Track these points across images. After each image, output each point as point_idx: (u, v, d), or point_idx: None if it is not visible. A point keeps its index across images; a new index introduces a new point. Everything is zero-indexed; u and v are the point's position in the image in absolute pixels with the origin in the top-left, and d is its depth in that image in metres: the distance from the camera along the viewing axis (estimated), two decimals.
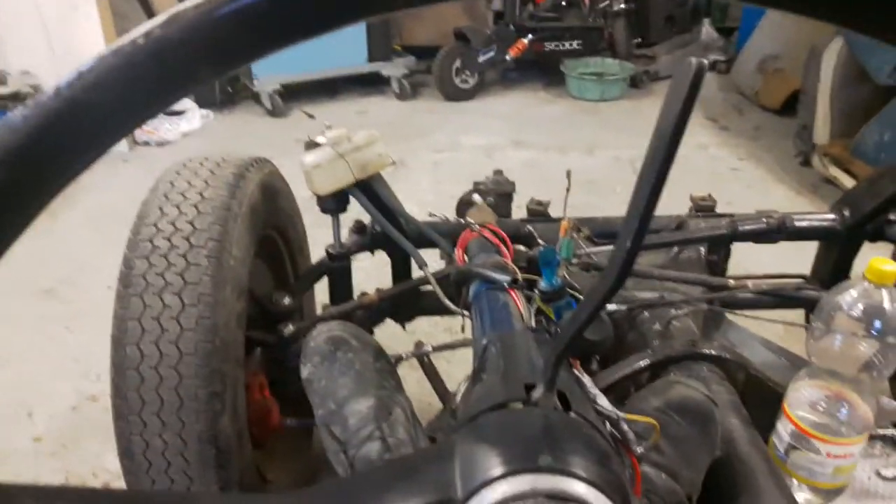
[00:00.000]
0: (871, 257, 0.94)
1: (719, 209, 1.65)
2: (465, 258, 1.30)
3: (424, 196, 3.10)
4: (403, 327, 1.66)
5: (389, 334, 1.85)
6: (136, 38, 0.28)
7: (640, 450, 0.60)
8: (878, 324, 0.92)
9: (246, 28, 0.27)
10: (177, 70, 0.28)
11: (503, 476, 0.39)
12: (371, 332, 1.56)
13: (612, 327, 0.71)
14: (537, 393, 0.47)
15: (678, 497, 0.79)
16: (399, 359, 1.24)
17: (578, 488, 0.38)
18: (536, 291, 0.84)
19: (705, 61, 0.32)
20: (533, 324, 0.90)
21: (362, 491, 0.40)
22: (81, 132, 0.28)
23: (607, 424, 0.59)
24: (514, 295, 1.00)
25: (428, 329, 2.11)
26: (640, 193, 0.35)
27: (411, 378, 1.88)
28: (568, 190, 1.24)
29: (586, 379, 0.62)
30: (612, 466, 0.41)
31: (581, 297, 0.96)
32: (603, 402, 0.59)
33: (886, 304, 0.92)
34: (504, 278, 1.03)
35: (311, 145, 1.40)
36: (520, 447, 0.41)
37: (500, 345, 0.64)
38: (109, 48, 0.28)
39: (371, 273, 2.34)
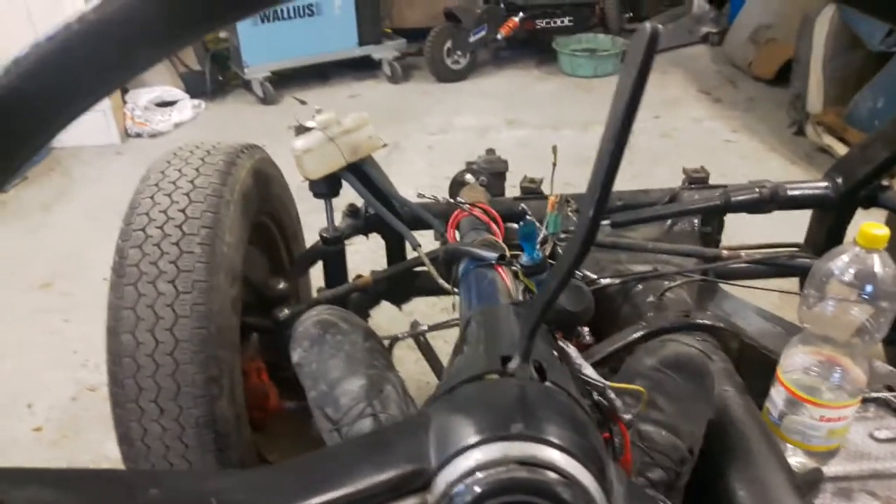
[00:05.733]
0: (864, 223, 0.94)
1: (713, 181, 1.64)
2: (458, 237, 1.30)
3: (419, 178, 3.10)
4: (400, 308, 1.66)
5: (389, 317, 1.85)
6: (70, 23, 0.27)
7: (628, 416, 0.60)
8: (869, 288, 0.92)
9: (179, 8, 0.27)
10: (113, 54, 0.28)
11: (475, 444, 0.39)
12: (367, 315, 1.57)
13: (594, 298, 0.71)
14: (513, 364, 0.47)
15: (680, 452, 0.80)
16: (395, 339, 1.24)
17: (550, 454, 0.38)
18: (518, 266, 0.84)
19: (659, 27, 0.31)
20: (520, 298, 0.91)
21: (337, 463, 0.41)
22: (21, 121, 0.28)
23: (594, 394, 0.59)
24: (501, 271, 1.00)
25: (425, 310, 2.12)
26: (600, 162, 0.35)
27: (410, 358, 1.89)
28: (554, 165, 1.23)
29: (572, 349, 0.62)
30: (587, 434, 0.41)
31: None
32: (589, 371, 0.59)
33: (878, 269, 0.92)
34: (491, 255, 1.03)
35: (301, 130, 1.40)
36: (492, 416, 0.41)
37: (481, 319, 0.65)
38: (45, 35, 0.27)
39: (367, 256, 2.35)
